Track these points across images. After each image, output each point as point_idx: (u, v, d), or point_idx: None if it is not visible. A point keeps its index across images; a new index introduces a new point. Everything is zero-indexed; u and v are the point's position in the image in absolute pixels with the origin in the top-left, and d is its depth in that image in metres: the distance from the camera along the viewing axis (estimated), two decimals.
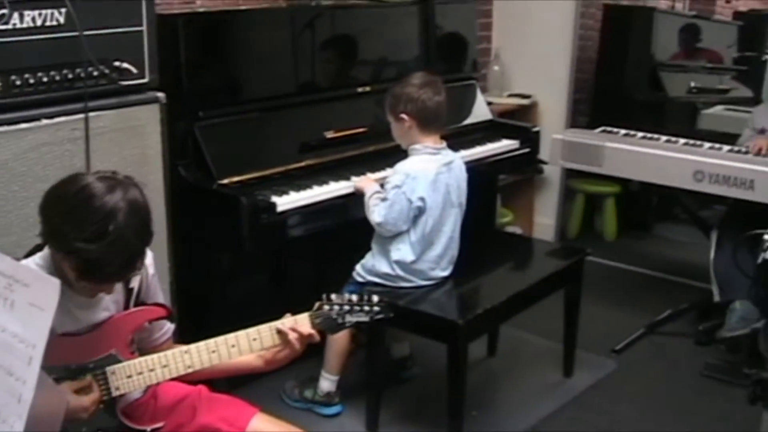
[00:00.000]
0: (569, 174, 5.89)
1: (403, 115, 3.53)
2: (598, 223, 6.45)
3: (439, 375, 3.51)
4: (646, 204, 6.58)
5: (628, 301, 5.20)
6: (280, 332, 2.40)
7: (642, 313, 4.84)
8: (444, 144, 3.62)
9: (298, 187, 3.61)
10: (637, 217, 6.57)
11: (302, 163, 3.80)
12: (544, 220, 6.07)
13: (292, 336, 2.39)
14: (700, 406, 4.04)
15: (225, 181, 3.50)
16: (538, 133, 4.73)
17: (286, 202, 3.49)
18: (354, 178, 3.76)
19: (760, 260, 2.08)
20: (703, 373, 4.30)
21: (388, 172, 3.68)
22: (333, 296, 2.50)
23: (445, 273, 3.64)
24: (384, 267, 3.55)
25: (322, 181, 3.71)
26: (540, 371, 4.28)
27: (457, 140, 4.23)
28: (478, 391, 3.99)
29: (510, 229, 5.75)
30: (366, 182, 3.67)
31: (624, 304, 5.13)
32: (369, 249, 3.65)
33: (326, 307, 2.48)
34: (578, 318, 4.10)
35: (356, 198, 3.64)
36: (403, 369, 4.13)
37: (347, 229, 3.70)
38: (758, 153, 4.34)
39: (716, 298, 4.40)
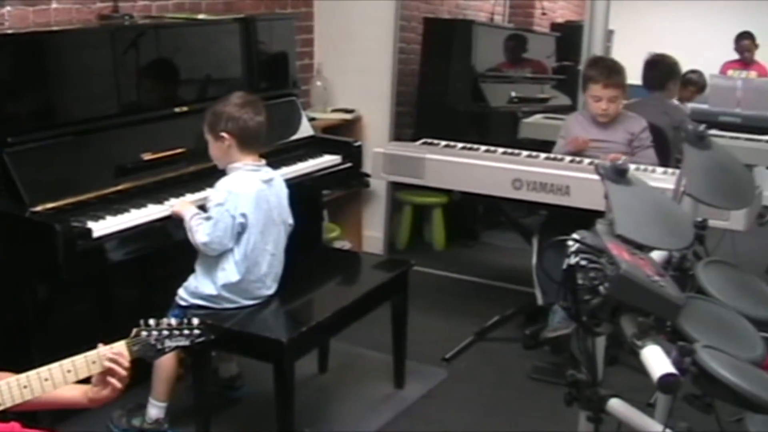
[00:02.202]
0: (396, 186, 5.94)
1: (224, 134, 3.49)
2: (427, 233, 6.54)
3: (270, 393, 3.47)
4: (473, 213, 6.69)
5: (458, 309, 5.27)
6: (95, 362, 2.34)
7: (471, 321, 4.90)
8: (263, 162, 3.61)
9: (115, 212, 3.51)
10: (465, 226, 6.68)
11: (119, 187, 3.69)
12: (372, 234, 6.11)
13: (109, 363, 2.34)
14: (529, 408, 4.13)
15: (38, 208, 3.37)
16: (360, 147, 4.75)
17: (102, 227, 3.39)
18: (173, 200, 3.69)
19: (564, 266, 2.12)
20: (531, 375, 4.40)
21: (208, 192, 3.63)
22: (151, 321, 2.46)
23: (270, 291, 3.62)
24: (208, 289, 3.50)
25: (139, 205, 3.62)
26: (372, 384, 4.29)
27: (278, 157, 4.23)
28: (310, 407, 3.98)
29: (338, 243, 5.77)
30: (182, 206, 3.61)
31: (454, 313, 5.20)
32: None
33: (144, 333, 2.44)
34: (406, 329, 4.13)
35: (176, 221, 3.58)
36: (232, 389, 4.08)
37: (173, 251, 3.64)
38: (575, 154, 4.49)
39: (540, 301, 4.49)
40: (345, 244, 5.87)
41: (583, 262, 2.12)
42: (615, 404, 2.42)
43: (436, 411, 4.09)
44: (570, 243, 2.16)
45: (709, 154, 2.81)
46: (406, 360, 4.22)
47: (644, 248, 2.36)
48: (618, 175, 2.44)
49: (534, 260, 4.57)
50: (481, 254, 6.47)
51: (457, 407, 4.14)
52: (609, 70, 4.59)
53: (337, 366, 4.40)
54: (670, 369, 1.89)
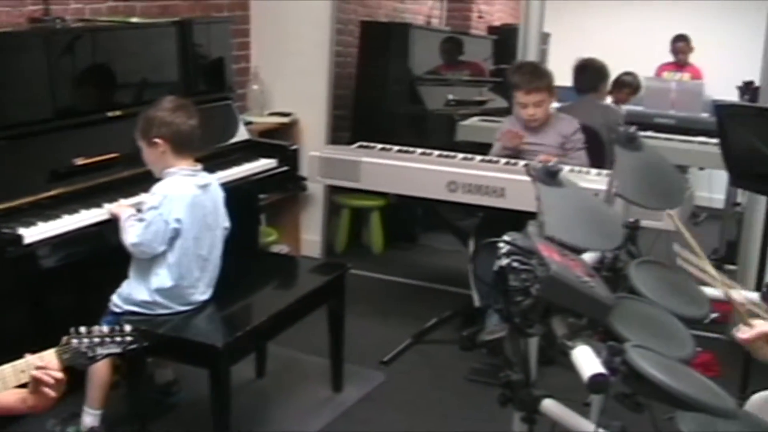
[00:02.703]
0: (334, 190, 5.95)
1: (157, 140, 3.46)
2: (366, 236, 6.54)
3: (207, 398, 3.44)
4: (411, 215, 6.71)
5: (396, 312, 5.28)
6: (23, 371, 2.31)
7: (409, 323, 4.91)
8: (199, 166, 3.58)
9: (47, 217, 3.46)
10: (403, 229, 6.70)
11: (52, 192, 3.64)
12: (310, 237, 6.10)
13: (38, 373, 2.31)
14: (466, 409, 4.14)
15: None
16: (296, 151, 4.74)
17: (34, 233, 3.34)
18: (106, 206, 3.65)
19: (496, 268, 2.13)
20: (468, 377, 4.42)
21: (142, 197, 3.59)
22: (82, 329, 2.43)
23: (205, 296, 3.59)
24: (141, 295, 3.47)
25: (72, 210, 3.58)
26: (310, 388, 4.28)
27: (214, 162, 4.21)
28: (247, 412, 3.96)
29: (276, 247, 5.75)
30: (121, 207, 3.58)
31: (391, 316, 5.20)
32: None
33: (74, 341, 2.40)
34: (344, 332, 4.13)
35: (111, 225, 3.53)
36: (168, 395, 4.04)
37: (108, 257, 3.58)
38: (511, 156, 4.52)
39: (476, 303, 4.51)
40: (283, 248, 5.85)
41: (515, 264, 2.13)
42: (548, 404, 2.43)
43: (374, 414, 4.09)
44: (501, 245, 2.17)
45: (639, 156, 2.84)
46: (343, 363, 4.22)
47: (576, 249, 2.38)
48: (549, 176, 2.45)
49: (470, 262, 4.59)
50: (420, 257, 6.49)
51: (394, 410, 4.14)
52: (531, 76, 4.63)
53: (275, 370, 4.38)
54: (600, 369, 1.90)
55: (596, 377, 1.89)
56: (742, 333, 2.33)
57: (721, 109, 3.99)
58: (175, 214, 3.41)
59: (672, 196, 2.90)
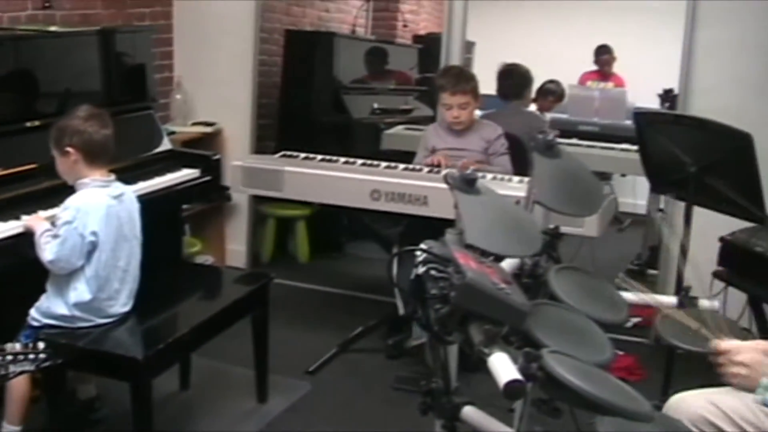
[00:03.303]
0: (259, 199, 5.91)
1: (69, 149, 3.41)
2: (291, 246, 6.51)
3: (130, 413, 3.38)
4: (337, 224, 6.70)
5: (322, 321, 5.26)
6: None
7: (335, 333, 4.89)
8: (113, 177, 3.53)
9: None
10: (329, 238, 6.68)
11: None
12: (236, 247, 6.07)
13: None
14: (392, 418, 4.13)
15: None
16: (218, 160, 4.71)
17: None
18: (24, 217, 3.59)
19: (413, 276, 2.13)
20: (393, 385, 4.42)
21: (58, 210, 3.54)
22: None
23: (126, 309, 3.54)
24: (60, 308, 3.41)
25: None
26: (235, 399, 4.25)
27: (135, 172, 4.17)
28: (172, 425, 3.94)
29: (201, 258, 5.71)
30: (36, 221, 3.52)
31: (317, 325, 5.18)
32: None
33: None
34: (268, 343, 4.10)
35: (28, 238, 3.47)
36: (91, 411, 3.97)
37: (27, 270, 3.52)
38: (434, 166, 4.53)
39: (402, 311, 4.51)
40: (208, 259, 5.81)
41: (432, 272, 2.13)
42: (469, 411, 2.44)
43: (300, 424, 4.07)
44: (418, 253, 2.17)
45: (557, 163, 2.87)
46: (268, 374, 4.19)
47: (494, 256, 2.39)
48: (467, 184, 2.46)
49: (394, 270, 4.57)
50: (346, 265, 6.48)
51: (320, 420, 4.13)
52: (457, 78, 4.67)
53: (200, 382, 4.35)
54: (516, 375, 1.91)
55: (512, 383, 1.89)
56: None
57: (639, 116, 4.05)
58: (90, 227, 3.36)
59: (590, 202, 2.94)
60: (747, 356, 2.27)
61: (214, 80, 5.90)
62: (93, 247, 3.38)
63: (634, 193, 7.05)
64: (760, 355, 2.28)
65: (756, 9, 4.86)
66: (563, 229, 3.20)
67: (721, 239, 4.07)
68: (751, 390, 2.29)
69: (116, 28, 4.79)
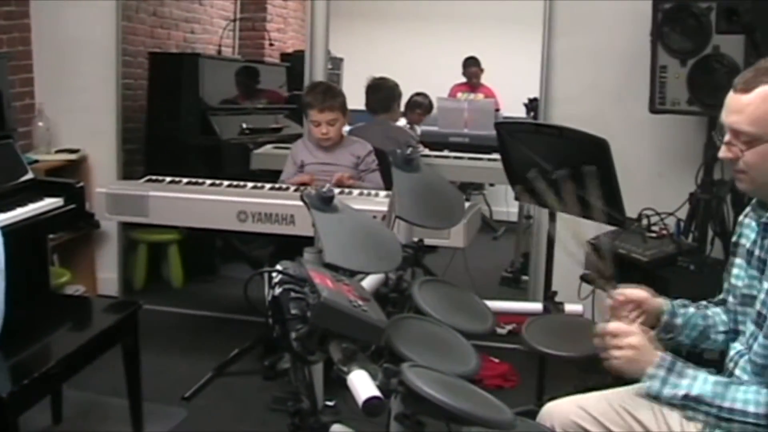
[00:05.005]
0: (129, 225, 5.82)
1: None
2: (165, 271, 6.42)
3: None
4: (210, 247, 6.64)
5: (197, 346, 5.20)
6: None
7: (211, 357, 4.84)
8: None
9: None
10: (203, 261, 6.62)
11: None
12: (107, 275, 5.96)
13: None
14: None
15: None
16: (82, 188, 4.58)
17: None
18: None
19: (269, 297, 2.13)
20: (270, 406, 4.38)
21: None
22: None
23: None
24: None
25: None
26: (110, 430, 4.17)
27: None
28: None
29: (71, 288, 5.59)
30: None
31: (193, 350, 5.12)
32: None
33: None
34: (140, 370, 4.01)
35: None
36: None
37: None
38: (302, 185, 4.53)
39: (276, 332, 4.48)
40: (78, 289, 5.69)
41: (291, 293, 2.13)
42: (337, 430, 2.44)
43: None
44: (273, 274, 2.17)
45: (417, 177, 2.90)
46: (143, 402, 4.10)
47: (357, 273, 2.40)
48: (323, 203, 2.47)
49: (266, 290, 4.55)
50: (221, 288, 6.42)
51: None
52: (323, 95, 4.69)
53: (73, 415, 4.24)
54: (374, 392, 1.91)
55: (370, 401, 1.89)
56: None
57: (500, 126, 4.11)
58: None
59: (451, 214, 2.96)
60: (635, 339, 2.33)
61: (78, 106, 5.79)
62: None
63: (507, 201, 7.16)
64: (647, 341, 2.34)
65: (610, 16, 4.99)
66: (430, 242, 3.24)
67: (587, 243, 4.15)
68: (634, 374, 2.34)
69: None
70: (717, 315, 2.67)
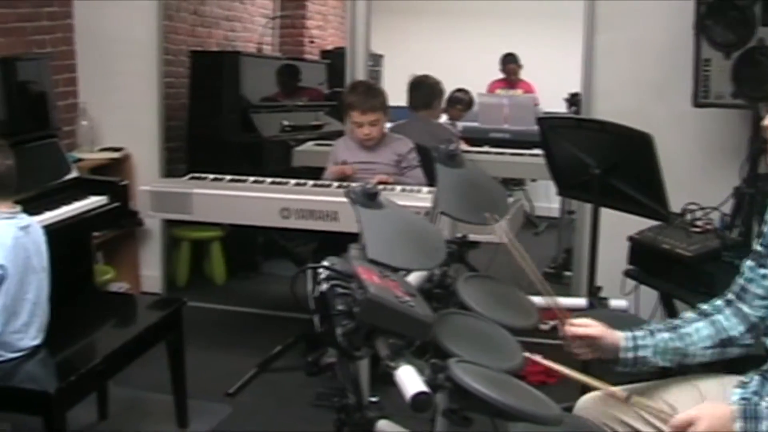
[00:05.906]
0: (172, 223, 5.87)
1: None
2: (207, 268, 6.46)
3: None
4: (252, 244, 6.67)
5: (240, 342, 5.23)
6: None
7: (254, 353, 4.86)
8: (18, 208, 3.46)
9: None
10: (245, 258, 6.65)
11: None
12: (150, 273, 6.00)
13: None
14: None
15: None
16: (126, 186, 4.63)
17: None
18: None
19: (317, 294, 2.13)
20: (314, 403, 4.39)
21: None
22: None
23: (36, 342, 3.46)
24: None
25: None
26: (155, 426, 4.19)
27: (41, 202, 4.09)
28: None
29: (115, 285, 5.64)
30: None
31: (236, 347, 5.15)
32: None
33: None
34: (185, 367, 4.05)
35: None
36: None
37: None
38: (343, 179, 4.54)
39: (319, 328, 4.49)
40: (122, 286, 5.74)
41: (337, 289, 2.14)
42: (383, 425, 2.44)
43: None
44: (320, 271, 2.18)
45: (460, 173, 2.89)
46: (187, 398, 4.14)
47: (398, 270, 2.40)
48: (367, 199, 2.47)
49: (309, 287, 4.57)
50: (262, 285, 6.45)
51: None
52: (365, 96, 4.69)
53: (119, 411, 4.27)
54: (422, 387, 1.91)
55: (418, 396, 1.90)
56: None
57: (542, 121, 4.10)
58: None
59: (495, 209, 2.95)
60: (705, 423, 2.21)
61: (120, 105, 5.84)
62: (0, 281, 3.30)
63: (548, 197, 7.14)
64: (717, 420, 2.23)
65: (651, 11, 4.96)
66: (473, 237, 3.23)
67: (630, 238, 4.13)
68: None
69: (10, 57, 4.70)
70: (697, 332, 2.55)
